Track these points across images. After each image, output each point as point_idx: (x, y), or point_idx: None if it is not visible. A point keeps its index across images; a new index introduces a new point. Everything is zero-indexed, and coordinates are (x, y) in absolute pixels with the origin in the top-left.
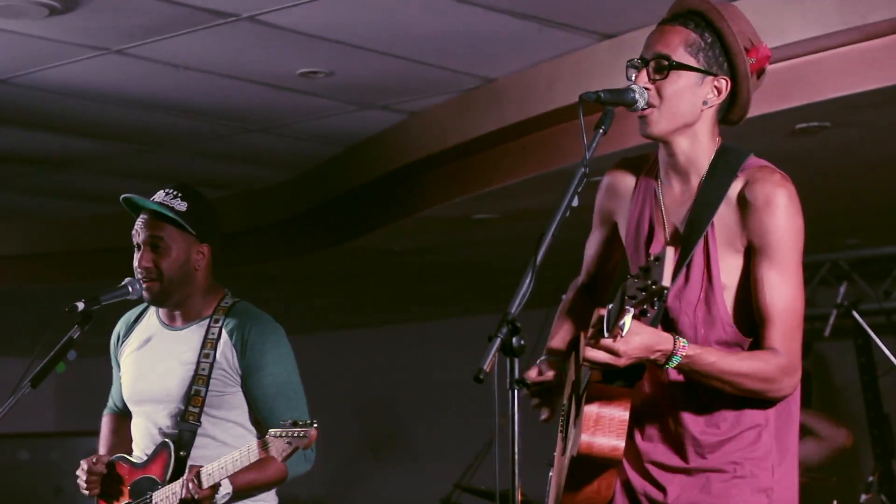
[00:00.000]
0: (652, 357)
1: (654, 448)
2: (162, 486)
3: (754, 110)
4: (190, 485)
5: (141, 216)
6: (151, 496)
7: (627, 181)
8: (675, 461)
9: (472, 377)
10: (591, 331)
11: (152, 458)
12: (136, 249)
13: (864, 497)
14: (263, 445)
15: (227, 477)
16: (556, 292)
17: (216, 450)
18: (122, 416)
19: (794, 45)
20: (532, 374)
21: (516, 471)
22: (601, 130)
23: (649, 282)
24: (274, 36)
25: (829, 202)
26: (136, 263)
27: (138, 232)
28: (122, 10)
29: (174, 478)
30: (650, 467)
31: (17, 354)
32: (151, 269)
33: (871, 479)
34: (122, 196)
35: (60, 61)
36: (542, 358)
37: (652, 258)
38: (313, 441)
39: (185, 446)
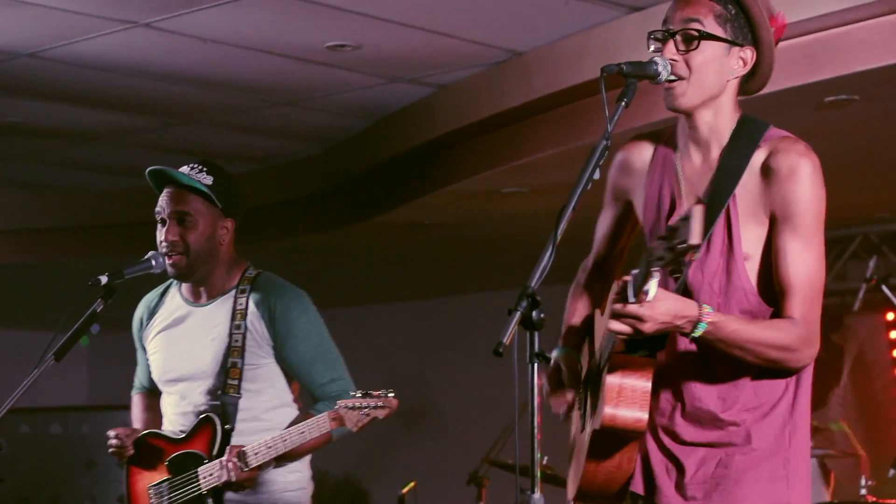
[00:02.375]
0: (678, 323)
1: (672, 422)
2: (209, 461)
3: (783, 83)
4: (230, 465)
5: (166, 190)
6: (197, 471)
7: (643, 156)
8: (693, 435)
9: (492, 351)
10: (614, 297)
11: (194, 433)
12: (159, 224)
13: (892, 472)
14: (336, 418)
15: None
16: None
17: (253, 423)
18: (152, 395)
19: (823, 17)
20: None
21: (535, 444)
22: (623, 103)
23: (677, 241)
24: (302, 9)
25: (858, 176)
26: (160, 237)
27: (163, 207)
28: None
29: (221, 452)
30: (668, 442)
31: (45, 328)
32: (178, 242)
33: None
34: (151, 168)
35: (89, 35)
36: (559, 352)
37: (680, 218)
38: (394, 410)
39: (230, 419)
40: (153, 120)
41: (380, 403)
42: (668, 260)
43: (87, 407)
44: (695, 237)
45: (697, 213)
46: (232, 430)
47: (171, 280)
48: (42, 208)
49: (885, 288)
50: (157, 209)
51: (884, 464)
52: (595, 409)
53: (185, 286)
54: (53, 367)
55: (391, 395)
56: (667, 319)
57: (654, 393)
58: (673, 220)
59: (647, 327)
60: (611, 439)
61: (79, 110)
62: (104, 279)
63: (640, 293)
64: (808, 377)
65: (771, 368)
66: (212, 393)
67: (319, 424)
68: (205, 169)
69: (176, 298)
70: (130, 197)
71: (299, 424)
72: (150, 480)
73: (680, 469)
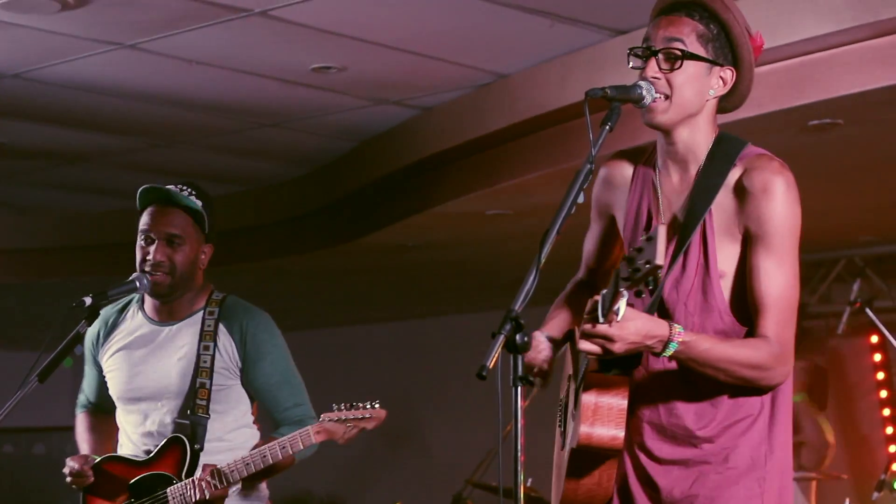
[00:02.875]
0: (648, 343)
1: (648, 439)
2: (178, 482)
3: (767, 107)
4: (203, 484)
5: (155, 208)
6: (167, 492)
7: (625, 172)
8: (669, 453)
9: (475, 374)
10: (585, 317)
11: (161, 453)
12: (144, 241)
13: (876, 495)
14: (321, 431)
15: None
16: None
17: (217, 443)
18: (97, 412)
19: (807, 41)
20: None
21: (519, 466)
22: (607, 127)
23: (642, 261)
24: (286, 31)
25: (842, 199)
26: (145, 255)
27: (152, 225)
28: (134, 5)
29: (191, 472)
30: (644, 460)
31: (30, 348)
32: (165, 263)
33: (883, 476)
34: (147, 186)
35: (73, 56)
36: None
37: (644, 238)
38: (382, 421)
39: (199, 440)
40: (138, 141)
41: (367, 415)
42: (634, 280)
43: (71, 427)
44: (658, 257)
45: (661, 233)
46: (201, 449)
47: (131, 297)
48: (26, 229)
49: (869, 311)
50: (144, 226)
51: (868, 487)
52: (574, 426)
53: (148, 305)
54: (37, 387)
55: (377, 405)
56: (637, 339)
57: (630, 409)
58: (637, 241)
59: (617, 347)
60: (589, 458)
61: (63, 131)
62: (88, 300)
63: (609, 313)
64: (784, 396)
65: (745, 387)
66: (177, 413)
67: (303, 438)
68: (193, 192)
69: (137, 317)
70: (115, 218)
71: (282, 439)
72: None
73: (655, 488)
